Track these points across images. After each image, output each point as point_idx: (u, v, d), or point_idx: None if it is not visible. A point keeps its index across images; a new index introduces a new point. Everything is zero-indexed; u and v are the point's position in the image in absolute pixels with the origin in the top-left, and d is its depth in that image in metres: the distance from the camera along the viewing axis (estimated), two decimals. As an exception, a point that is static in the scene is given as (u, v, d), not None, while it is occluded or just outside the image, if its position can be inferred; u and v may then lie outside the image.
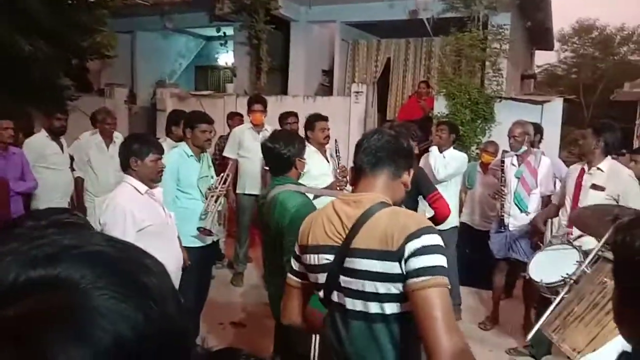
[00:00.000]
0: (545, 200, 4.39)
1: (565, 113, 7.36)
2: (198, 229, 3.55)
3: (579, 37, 28.01)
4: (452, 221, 4.64)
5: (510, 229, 4.35)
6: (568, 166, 5.39)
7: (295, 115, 5.36)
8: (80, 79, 9.57)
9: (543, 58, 25.54)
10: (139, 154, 2.69)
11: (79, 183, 4.95)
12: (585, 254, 2.69)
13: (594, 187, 3.51)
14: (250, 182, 5.12)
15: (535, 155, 4.39)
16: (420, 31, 8.34)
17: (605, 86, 24.81)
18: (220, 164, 5.50)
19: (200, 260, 3.56)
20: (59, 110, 4.96)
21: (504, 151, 4.52)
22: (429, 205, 3.59)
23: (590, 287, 2.23)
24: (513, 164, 4.40)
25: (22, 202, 4.38)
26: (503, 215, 4.38)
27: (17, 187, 4.25)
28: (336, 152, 4.19)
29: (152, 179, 2.72)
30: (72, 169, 5.00)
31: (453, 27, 7.41)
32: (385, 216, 1.51)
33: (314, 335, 2.42)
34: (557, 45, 21.48)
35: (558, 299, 2.42)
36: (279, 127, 5.13)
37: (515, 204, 4.33)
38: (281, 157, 2.60)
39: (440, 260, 1.42)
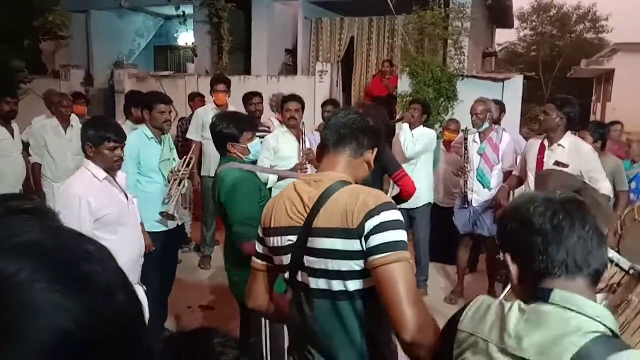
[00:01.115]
0: (507, 176, 4.49)
1: (525, 90, 7.51)
2: (160, 213, 3.49)
3: (537, 16, 28.57)
4: (426, 198, 4.71)
5: (474, 205, 4.43)
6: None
7: (259, 95, 5.27)
8: (34, 60, 9.19)
9: (504, 36, 25.94)
10: (94, 141, 2.56)
11: (36, 169, 4.77)
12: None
13: (558, 164, 3.54)
14: (215, 164, 5.02)
15: (497, 131, 4.46)
16: (383, 9, 8.31)
17: (563, 64, 25.49)
18: (184, 146, 5.38)
19: (165, 245, 3.51)
20: (9, 94, 4.74)
21: (466, 129, 4.58)
22: (395, 183, 3.61)
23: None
24: (475, 141, 4.47)
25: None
26: (466, 192, 4.46)
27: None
28: (302, 134, 4.13)
29: (109, 167, 2.60)
30: (29, 155, 4.81)
31: (416, 5, 7.41)
32: (345, 194, 1.50)
33: (263, 320, 2.43)
34: (517, 23, 21.88)
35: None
36: (243, 109, 5.06)
37: (478, 180, 4.42)
38: (217, 136, 2.63)
39: (400, 235, 1.43)
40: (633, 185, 4.73)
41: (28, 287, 0.41)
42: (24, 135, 4.88)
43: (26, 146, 4.88)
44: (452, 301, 4.60)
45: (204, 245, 5.36)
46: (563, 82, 24.56)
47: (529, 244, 1.10)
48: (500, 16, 11.89)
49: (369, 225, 1.42)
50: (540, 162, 3.70)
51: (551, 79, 25.40)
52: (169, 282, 3.75)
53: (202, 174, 5.21)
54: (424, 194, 4.64)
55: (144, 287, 2.67)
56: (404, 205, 4.53)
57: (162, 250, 3.43)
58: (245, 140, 2.64)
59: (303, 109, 4.22)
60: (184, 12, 10.04)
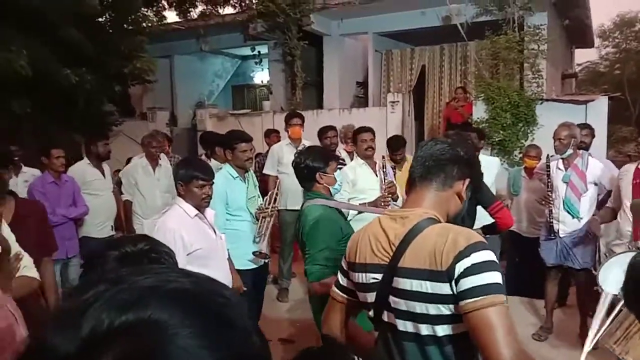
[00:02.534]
0: (600, 202, 4.23)
1: (610, 111, 7.10)
2: (254, 253, 3.53)
3: (620, 32, 27.01)
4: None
5: (561, 235, 4.18)
6: (617, 165, 5.20)
7: (334, 129, 5.36)
8: (123, 104, 9.91)
9: (583, 56, 24.69)
10: (184, 179, 2.73)
11: (127, 206, 5.10)
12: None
13: None
14: (292, 198, 5.10)
15: (582, 157, 4.22)
16: (454, 36, 8.24)
17: (651, 80, 23.83)
18: (261, 181, 5.56)
19: (255, 282, 3.57)
20: (101, 137, 5.13)
21: (548, 155, 4.38)
22: (491, 215, 3.45)
23: (653, 295, 2.12)
24: (559, 168, 4.24)
25: (75, 227, 4.55)
26: (552, 222, 4.23)
27: (69, 213, 4.41)
28: (383, 167, 4.11)
29: (198, 204, 2.74)
30: (121, 193, 5.16)
31: (488, 30, 7.31)
32: (433, 233, 1.43)
33: None
34: (597, 41, 20.84)
35: (617, 309, 2.31)
36: (317, 143, 5.15)
37: (566, 210, 4.17)
38: (302, 170, 2.65)
39: (493, 277, 1.33)
40: None
41: (178, 332, 0.45)
42: (121, 174, 5.27)
43: (119, 184, 5.25)
44: (540, 337, 4.34)
45: (281, 277, 5.42)
46: (653, 100, 22.93)
47: None
48: (579, 35, 11.41)
49: (460, 267, 1.34)
50: (636, 187, 3.45)
51: (639, 98, 23.80)
52: (257, 319, 3.81)
53: (279, 207, 5.33)
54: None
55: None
56: None
57: (253, 288, 3.47)
58: (332, 170, 2.67)
59: (374, 137, 4.31)
60: (259, 52, 10.53)
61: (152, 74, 9.56)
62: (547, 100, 7.02)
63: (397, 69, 9.51)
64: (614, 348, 2.08)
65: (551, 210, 4.21)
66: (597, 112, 6.70)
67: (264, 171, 5.46)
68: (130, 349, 0.44)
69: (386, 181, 4.01)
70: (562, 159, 4.20)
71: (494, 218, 3.35)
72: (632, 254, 2.98)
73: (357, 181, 4.10)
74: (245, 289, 3.24)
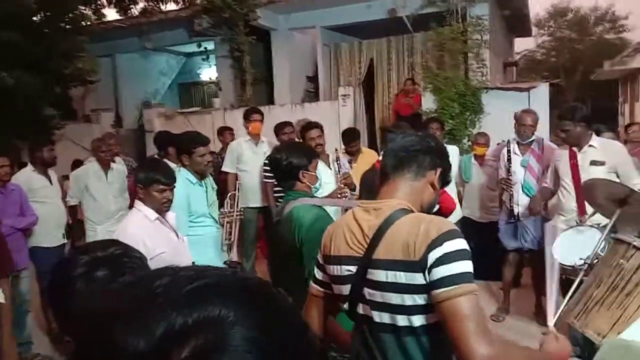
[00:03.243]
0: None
1: (551, 97, 7.43)
2: (225, 262, 3.40)
3: (554, 21, 28.29)
4: (458, 214, 4.66)
5: (521, 218, 4.34)
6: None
7: (291, 124, 5.20)
8: (65, 107, 9.50)
9: (522, 44, 25.71)
10: (144, 183, 2.63)
11: (75, 211, 4.91)
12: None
13: (594, 162, 3.54)
14: (252, 195, 5.07)
15: (538, 142, 4.41)
16: (400, 29, 8.38)
17: (585, 67, 25.11)
18: (218, 180, 5.46)
19: None
20: (45, 142, 4.90)
21: (508, 140, 4.51)
22: None
23: (607, 270, 2.23)
24: (515, 153, 4.41)
25: (24, 238, 4.32)
26: (512, 206, 4.36)
27: (17, 223, 4.18)
28: (337, 160, 4.14)
29: (157, 209, 2.64)
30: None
31: (433, 22, 7.46)
32: (406, 224, 1.45)
33: None
34: (534, 30, 21.68)
35: (574, 285, 2.41)
36: (274, 139, 5.10)
37: (524, 193, 4.32)
38: (284, 168, 2.52)
39: (464, 266, 1.35)
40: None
41: (240, 326, 0.48)
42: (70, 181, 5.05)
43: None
44: (498, 318, 4.50)
45: None
46: (587, 85, 24.18)
47: None
48: (518, 25, 11.85)
49: (432, 256, 1.36)
50: (574, 167, 3.65)
51: (574, 83, 25.03)
52: None
53: (241, 205, 5.24)
54: (456, 212, 4.61)
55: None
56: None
57: None
58: (314, 167, 2.59)
59: (323, 132, 4.30)
60: (205, 49, 10.32)
61: (94, 74, 9.23)
62: (491, 88, 7.26)
63: (346, 62, 9.58)
64: (575, 323, 2.18)
65: (512, 194, 4.35)
66: (539, 98, 6.99)
67: (222, 169, 5.33)
68: (200, 345, 0.46)
69: (342, 173, 4.04)
70: (519, 144, 4.37)
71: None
72: (582, 228, 3.15)
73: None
74: None
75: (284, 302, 0.54)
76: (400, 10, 7.99)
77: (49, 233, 4.55)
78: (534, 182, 4.30)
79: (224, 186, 4.90)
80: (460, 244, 1.39)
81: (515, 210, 4.35)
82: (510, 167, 4.39)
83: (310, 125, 4.27)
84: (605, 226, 2.73)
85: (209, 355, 0.46)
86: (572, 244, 2.98)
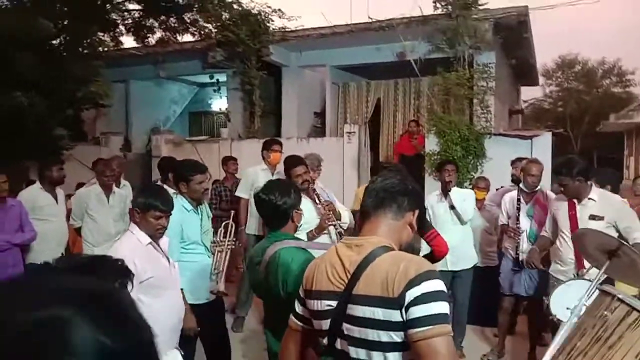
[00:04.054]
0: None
1: (554, 146, 7.51)
2: (211, 292, 3.36)
3: (562, 72, 28.72)
4: (474, 259, 4.62)
5: (526, 266, 4.30)
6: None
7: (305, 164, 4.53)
8: (75, 128, 9.68)
9: (529, 93, 26.02)
10: (141, 207, 2.67)
11: (76, 233, 4.95)
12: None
13: (593, 217, 3.50)
14: (261, 223, 4.98)
15: (542, 191, 4.45)
16: (408, 72, 8.57)
17: (591, 118, 25.32)
18: (225, 208, 5.49)
19: (211, 317, 3.37)
20: (56, 161, 4.99)
21: (519, 188, 4.49)
22: (427, 243, 3.57)
23: (592, 321, 2.23)
24: (519, 201, 4.43)
25: (21, 254, 4.37)
26: (518, 254, 4.35)
27: (15, 238, 4.24)
28: (313, 191, 4.02)
29: (151, 234, 2.66)
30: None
31: (440, 67, 7.63)
32: (386, 261, 1.48)
33: None
34: (541, 80, 22.03)
35: (560, 334, 2.42)
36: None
37: (530, 242, 4.30)
38: (277, 209, 2.39)
39: (441, 307, 1.39)
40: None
41: (81, 325, 0.55)
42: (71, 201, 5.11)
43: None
44: (489, 358, 4.46)
45: (240, 305, 5.24)
46: (592, 136, 24.33)
47: None
48: (525, 74, 12.07)
49: (410, 295, 1.39)
50: (573, 218, 3.62)
51: (580, 133, 25.20)
52: (226, 350, 3.60)
53: (247, 231, 5.23)
54: (472, 256, 4.60)
55: (181, 351, 2.68)
56: (450, 267, 4.43)
57: (210, 320, 3.29)
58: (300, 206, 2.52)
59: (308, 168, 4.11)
60: (217, 80, 10.56)
61: (106, 98, 9.43)
62: (495, 134, 7.36)
63: (354, 101, 9.76)
64: (557, 372, 2.18)
65: (518, 243, 4.35)
66: (542, 146, 7.07)
67: (237, 193, 5.37)
68: (41, 341, 0.53)
69: (322, 201, 3.95)
70: (525, 192, 4.38)
71: (429, 245, 3.45)
72: (582, 281, 3.14)
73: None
74: (199, 328, 3.04)
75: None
76: (408, 54, 8.18)
77: (49, 250, 4.58)
78: (540, 232, 4.26)
79: (237, 210, 4.98)
80: (438, 285, 1.43)
81: (521, 258, 4.31)
82: (519, 215, 4.38)
83: (295, 162, 4.03)
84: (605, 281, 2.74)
85: (51, 352, 0.52)
86: (566, 297, 2.98)
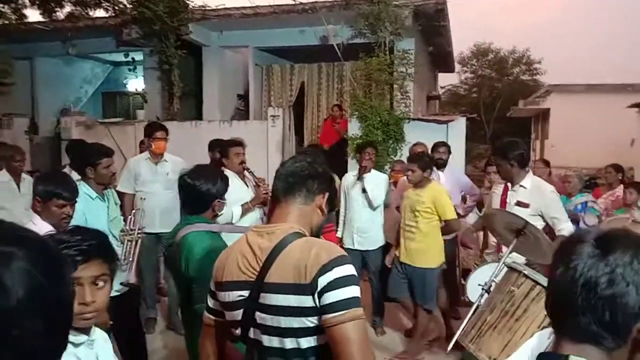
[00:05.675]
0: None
1: (468, 130, 7.88)
2: (121, 283, 3.17)
3: (477, 60, 30.22)
4: (382, 240, 4.82)
5: None
6: (474, 180, 5.78)
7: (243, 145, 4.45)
8: (-27, 108, 8.88)
9: (446, 80, 27.21)
10: (43, 196, 2.48)
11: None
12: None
13: (519, 203, 3.60)
14: (151, 220, 4.44)
15: (434, 171, 4.73)
16: (331, 56, 8.60)
17: (502, 104, 26.92)
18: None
19: (123, 307, 3.12)
20: None
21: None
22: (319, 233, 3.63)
23: (500, 296, 2.39)
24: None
25: None
26: None
27: None
28: (247, 170, 4.13)
29: (56, 224, 2.46)
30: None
31: (362, 52, 7.72)
32: (298, 247, 1.48)
33: None
34: (457, 67, 23.02)
35: (472, 309, 2.56)
36: (197, 156, 4.89)
37: None
38: (200, 195, 2.35)
39: (353, 291, 1.41)
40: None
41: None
42: None
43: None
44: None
45: (147, 307, 4.86)
46: (503, 121, 25.86)
47: None
48: (442, 61, 12.52)
49: (322, 281, 1.40)
50: (503, 202, 3.74)
51: (492, 118, 26.69)
52: (140, 345, 3.48)
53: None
54: (379, 239, 4.78)
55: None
56: (358, 247, 4.65)
57: (121, 314, 3.17)
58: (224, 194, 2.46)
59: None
60: (133, 59, 10.03)
61: (8, 75, 8.71)
62: (413, 119, 7.60)
63: (278, 84, 9.67)
64: (470, 346, 2.31)
65: None
66: (457, 131, 7.41)
67: (118, 188, 4.67)
68: None
69: (256, 178, 4.11)
70: None
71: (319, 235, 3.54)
72: (495, 264, 3.32)
73: (231, 193, 4.07)
74: (111, 322, 2.97)
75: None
76: (331, 38, 8.21)
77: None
78: None
79: (122, 206, 4.38)
80: (349, 269, 1.45)
81: None
82: None
83: (237, 142, 4.25)
84: (530, 265, 2.90)
85: None
86: (482, 278, 3.13)
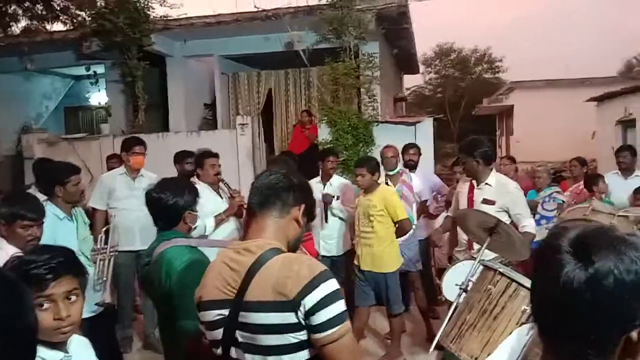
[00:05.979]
0: (420, 207, 4.95)
1: (436, 130, 7.98)
2: (97, 304, 3.12)
3: (440, 60, 30.73)
4: (347, 245, 4.85)
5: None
6: (443, 179, 5.86)
7: (193, 155, 4.66)
8: None
9: (411, 81, 27.56)
10: (7, 219, 2.39)
11: None
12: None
13: (485, 201, 3.66)
14: (125, 237, 4.38)
15: (407, 173, 4.79)
16: (297, 62, 8.59)
17: (467, 102, 27.42)
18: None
19: (99, 328, 3.09)
20: None
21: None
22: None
23: (477, 295, 2.41)
24: (387, 184, 4.68)
25: None
26: None
27: None
28: (222, 181, 4.13)
29: (22, 247, 2.36)
30: None
31: (328, 57, 7.74)
32: (277, 264, 1.46)
33: None
34: (422, 68, 23.29)
35: (451, 309, 2.57)
36: (164, 169, 4.82)
37: None
38: (169, 209, 2.29)
39: (340, 306, 1.43)
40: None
41: None
42: None
43: None
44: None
45: (124, 326, 4.73)
46: (469, 120, 26.33)
47: None
48: (406, 63, 12.67)
49: (310, 300, 1.39)
50: (470, 201, 3.80)
51: (458, 117, 27.16)
52: None
53: (112, 248, 4.80)
54: (346, 242, 4.84)
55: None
56: (325, 253, 4.74)
57: (96, 334, 3.09)
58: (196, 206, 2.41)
59: None
60: (95, 72, 9.81)
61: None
62: (382, 122, 7.65)
63: (245, 91, 9.61)
64: (451, 347, 2.32)
65: None
66: (424, 131, 7.49)
67: (89, 204, 4.68)
68: None
69: (230, 190, 4.13)
70: (387, 175, 4.70)
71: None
72: (471, 262, 3.34)
73: (203, 205, 4.03)
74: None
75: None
76: (296, 44, 8.19)
77: None
78: (409, 209, 4.60)
79: (93, 223, 4.28)
80: (334, 284, 1.45)
81: None
82: None
83: (210, 153, 4.24)
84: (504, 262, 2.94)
85: None
86: (457, 277, 3.15)
